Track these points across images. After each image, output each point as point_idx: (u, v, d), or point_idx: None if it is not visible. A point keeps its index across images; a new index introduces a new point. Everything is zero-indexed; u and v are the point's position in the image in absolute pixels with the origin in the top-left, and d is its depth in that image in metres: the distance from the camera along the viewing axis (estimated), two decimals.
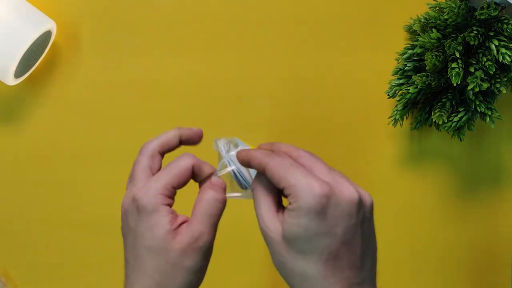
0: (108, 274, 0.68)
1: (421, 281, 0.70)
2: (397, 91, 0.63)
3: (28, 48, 0.59)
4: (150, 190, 0.44)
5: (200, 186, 0.47)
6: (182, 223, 0.45)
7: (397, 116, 0.63)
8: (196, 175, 0.46)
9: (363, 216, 0.42)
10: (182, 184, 0.45)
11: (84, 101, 0.67)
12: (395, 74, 0.63)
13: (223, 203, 0.46)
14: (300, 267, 0.42)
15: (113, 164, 0.68)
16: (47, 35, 0.62)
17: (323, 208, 0.40)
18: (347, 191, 0.41)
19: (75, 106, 0.67)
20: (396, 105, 0.63)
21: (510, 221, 0.70)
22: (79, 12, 0.65)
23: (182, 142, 0.48)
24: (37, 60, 0.64)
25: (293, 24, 0.66)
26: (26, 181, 0.68)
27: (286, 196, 0.43)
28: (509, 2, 0.58)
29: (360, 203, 0.42)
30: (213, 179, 0.46)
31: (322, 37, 0.67)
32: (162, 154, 0.47)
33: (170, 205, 0.45)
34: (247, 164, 0.45)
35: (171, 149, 0.47)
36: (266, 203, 0.44)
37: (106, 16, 0.66)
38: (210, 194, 0.45)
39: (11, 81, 0.61)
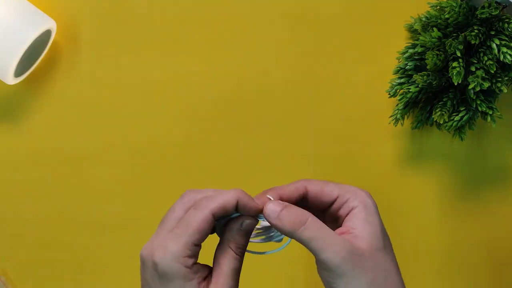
0: (108, 274, 0.68)
1: (421, 281, 0.70)
2: (398, 90, 0.63)
3: (28, 47, 0.59)
4: (168, 254, 0.40)
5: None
6: (206, 277, 0.42)
7: (398, 116, 0.63)
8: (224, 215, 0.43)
9: None
10: (204, 237, 0.42)
11: (84, 101, 0.67)
12: (396, 73, 0.63)
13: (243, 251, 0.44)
14: (387, 265, 0.42)
15: (113, 163, 0.68)
16: (47, 34, 0.62)
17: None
18: None
19: (75, 105, 0.67)
20: (397, 104, 0.63)
21: (511, 221, 0.70)
22: (79, 12, 0.65)
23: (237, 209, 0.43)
24: (37, 59, 0.64)
25: (293, 24, 0.66)
26: (26, 181, 0.68)
27: (327, 208, 0.44)
28: (510, 2, 0.58)
29: None
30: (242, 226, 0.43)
31: (322, 37, 0.67)
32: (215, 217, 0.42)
33: (194, 263, 0.41)
34: (287, 191, 0.44)
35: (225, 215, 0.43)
36: (328, 228, 0.41)
37: (106, 16, 0.66)
38: (233, 245, 0.43)
39: (11, 80, 0.61)
